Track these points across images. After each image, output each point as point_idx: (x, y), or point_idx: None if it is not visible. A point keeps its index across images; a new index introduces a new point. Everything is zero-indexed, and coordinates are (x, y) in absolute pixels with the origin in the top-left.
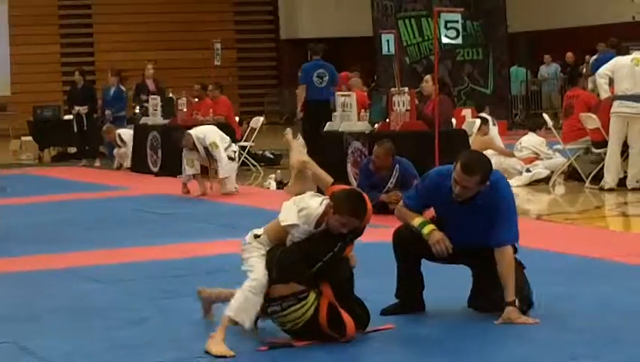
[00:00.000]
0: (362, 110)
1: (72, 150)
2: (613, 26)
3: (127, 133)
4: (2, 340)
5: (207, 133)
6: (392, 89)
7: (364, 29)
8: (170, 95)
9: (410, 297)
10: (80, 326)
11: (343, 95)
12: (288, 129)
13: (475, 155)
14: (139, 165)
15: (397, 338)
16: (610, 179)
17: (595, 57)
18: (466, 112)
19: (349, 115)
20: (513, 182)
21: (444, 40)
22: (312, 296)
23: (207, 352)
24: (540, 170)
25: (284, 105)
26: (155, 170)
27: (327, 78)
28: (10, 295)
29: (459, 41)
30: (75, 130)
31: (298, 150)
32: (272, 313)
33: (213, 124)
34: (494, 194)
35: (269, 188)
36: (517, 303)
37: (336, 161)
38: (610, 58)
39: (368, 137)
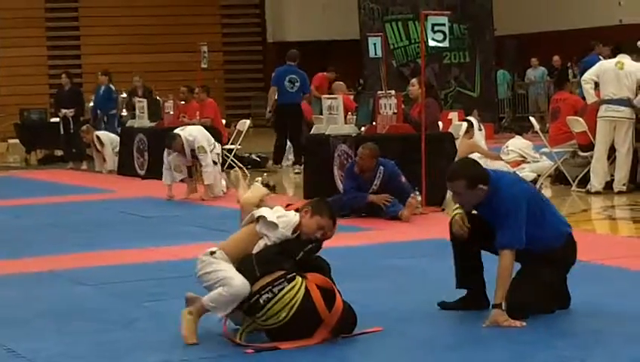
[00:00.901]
0: (348, 113)
1: (59, 153)
2: (601, 29)
3: (105, 136)
4: None
5: (197, 136)
6: (379, 92)
7: (351, 32)
8: (157, 97)
9: (472, 293)
10: (68, 328)
11: (329, 98)
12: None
13: (460, 162)
14: (125, 168)
15: (385, 340)
16: (596, 183)
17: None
18: (453, 115)
19: (335, 118)
20: None
21: (431, 43)
22: (299, 278)
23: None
24: (526, 173)
25: None
26: (142, 173)
27: (298, 83)
28: None
29: (446, 44)
30: (62, 132)
31: (244, 187)
32: (266, 300)
33: None
34: (495, 199)
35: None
36: (503, 306)
37: (322, 163)
38: (594, 62)
39: (355, 140)
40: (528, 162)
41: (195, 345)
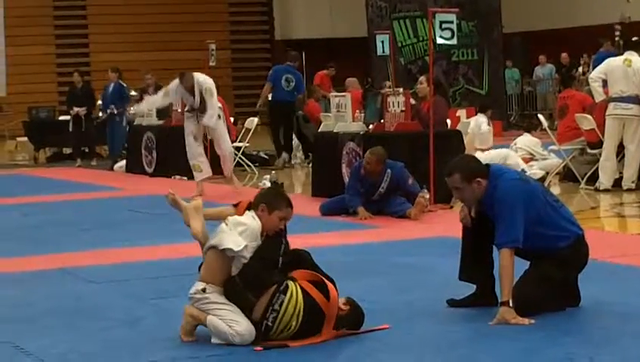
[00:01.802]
0: (357, 110)
1: (68, 151)
2: (608, 26)
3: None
4: None
5: (207, 79)
6: (387, 89)
7: (358, 30)
8: None
9: (481, 290)
10: (75, 326)
11: (337, 96)
12: (170, 190)
13: (457, 158)
14: (134, 166)
15: (392, 338)
16: (605, 180)
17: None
18: (461, 113)
19: (343, 116)
20: None
21: (439, 40)
22: (290, 283)
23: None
24: (535, 170)
25: None
26: (150, 170)
27: (293, 83)
28: (5, 295)
29: (454, 41)
30: (72, 130)
31: (193, 216)
32: (273, 320)
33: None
34: (493, 196)
35: (263, 188)
36: (511, 303)
37: (330, 161)
38: (604, 58)
39: (363, 138)
40: (537, 160)
41: (194, 342)
